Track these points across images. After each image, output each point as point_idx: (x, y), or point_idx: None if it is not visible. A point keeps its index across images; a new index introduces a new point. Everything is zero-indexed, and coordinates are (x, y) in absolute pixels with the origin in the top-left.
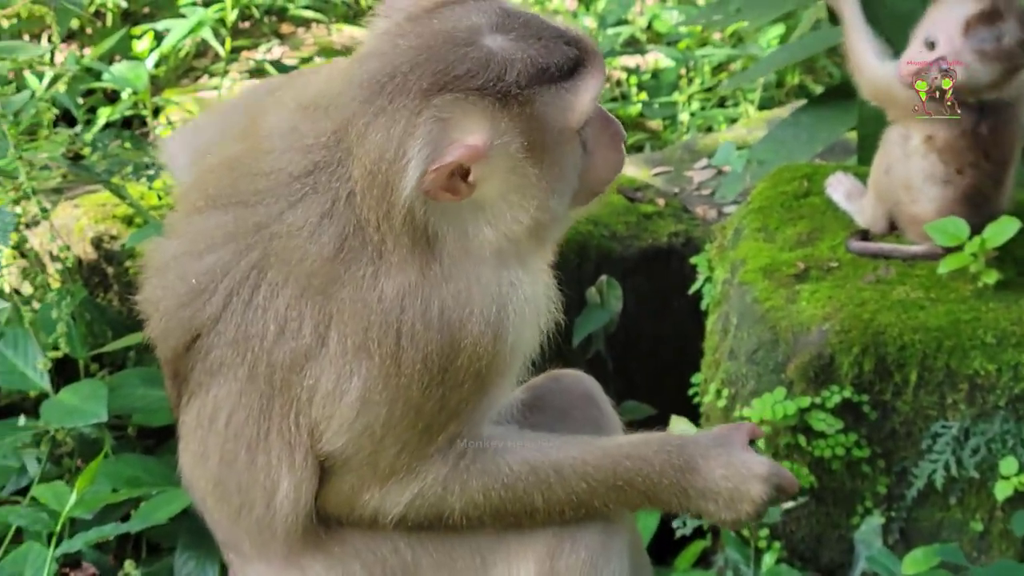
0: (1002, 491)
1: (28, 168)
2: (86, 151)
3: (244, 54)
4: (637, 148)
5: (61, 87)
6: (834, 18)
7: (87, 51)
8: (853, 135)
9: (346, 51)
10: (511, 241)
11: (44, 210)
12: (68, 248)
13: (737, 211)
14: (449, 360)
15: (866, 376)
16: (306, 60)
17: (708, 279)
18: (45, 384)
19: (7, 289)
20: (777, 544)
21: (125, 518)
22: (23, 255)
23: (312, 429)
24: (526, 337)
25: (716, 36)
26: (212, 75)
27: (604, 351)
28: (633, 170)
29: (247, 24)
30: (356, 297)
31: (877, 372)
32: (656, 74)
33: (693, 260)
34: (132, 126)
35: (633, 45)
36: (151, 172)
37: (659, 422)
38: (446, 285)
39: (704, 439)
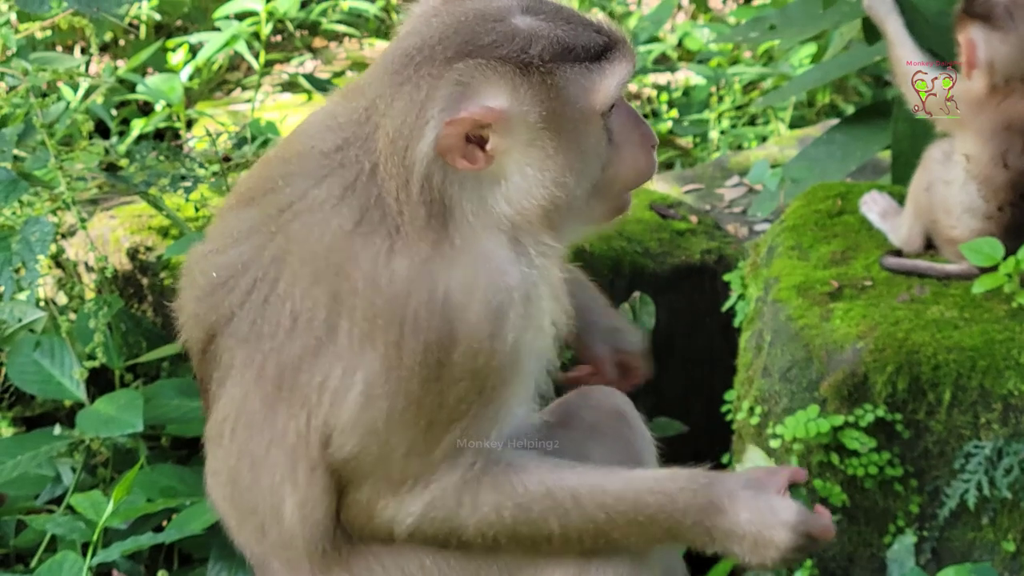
0: None
1: (68, 179)
2: (123, 162)
3: (276, 67)
4: (668, 165)
5: (99, 98)
6: (871, 36)
7: (120, 63)
8: (886, 154)
9: None
10: (527, 221)
11: (83, 220)
12: (106, 258)
13: (771, 229)
14: (446, 352)
15: (900, 395)
16: (338, 74)
17: (741, 296)
18: (81, 394)
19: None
20: (809, 562)
21: (158, 528)
22: (59, 265)
23: (323, 433)
24: (529, 339)
25: (747, 55)
26: (245, 88)
27: None
28: (664, 187)
29: (279, 38)
30: (368, 277)
31: (911, 391)
32: (687, 92)
33: (726, 277)
34: (165, 138)
35: (664, 63)
36: (187, 184)
37: (690, 439)
38: (454, 267)
39: (735, 479)
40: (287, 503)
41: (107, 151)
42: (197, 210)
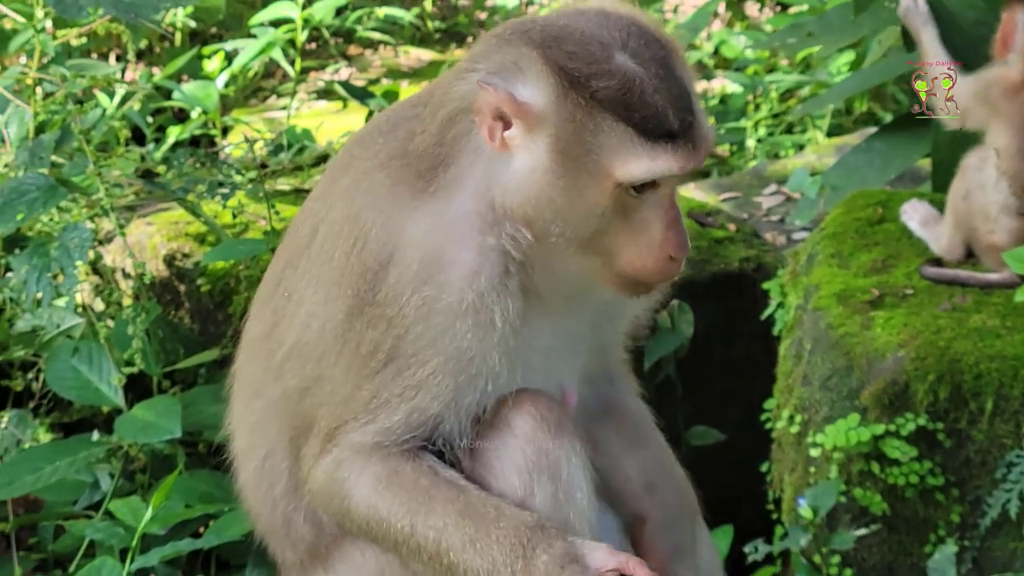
0: None
1: (105, 185)
2: (161, 169)
3: (312, 75)
4: (704, 174)
5: (135, 105)
6: (910, 44)
7: (155, 70)
8: (925, 162)
9: (413, 73)
10: (510, 216)
11: (121, 226)
12: (143, 265)
13: (811, 237)
14: (376, 281)
15: (941, 404)
16: (373, 82)
17: (780, 304)
18: (119, 400)
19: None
20: (849, 572)
21: (196, 534)
22: (97, 272)
23: (284, 351)
24: (460, 322)
25: (784, 62)
26: (280, 95)
27: (674, 375)
28: (701, 195)
29: (314, 45)
30: (349, 197)
31: (952, 400)
32: (724, 99)
33: (765, 285)
34: (200, 145)
35: (701, 70)
36: (225, 190)
37: (727, 448)
38: (422, 208)
39: (560, 556)
40: (280, 483)
41: (143, 158)
42: (234, 216)
